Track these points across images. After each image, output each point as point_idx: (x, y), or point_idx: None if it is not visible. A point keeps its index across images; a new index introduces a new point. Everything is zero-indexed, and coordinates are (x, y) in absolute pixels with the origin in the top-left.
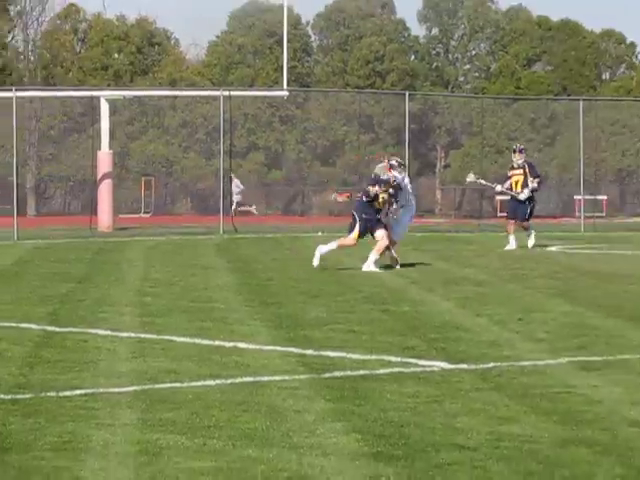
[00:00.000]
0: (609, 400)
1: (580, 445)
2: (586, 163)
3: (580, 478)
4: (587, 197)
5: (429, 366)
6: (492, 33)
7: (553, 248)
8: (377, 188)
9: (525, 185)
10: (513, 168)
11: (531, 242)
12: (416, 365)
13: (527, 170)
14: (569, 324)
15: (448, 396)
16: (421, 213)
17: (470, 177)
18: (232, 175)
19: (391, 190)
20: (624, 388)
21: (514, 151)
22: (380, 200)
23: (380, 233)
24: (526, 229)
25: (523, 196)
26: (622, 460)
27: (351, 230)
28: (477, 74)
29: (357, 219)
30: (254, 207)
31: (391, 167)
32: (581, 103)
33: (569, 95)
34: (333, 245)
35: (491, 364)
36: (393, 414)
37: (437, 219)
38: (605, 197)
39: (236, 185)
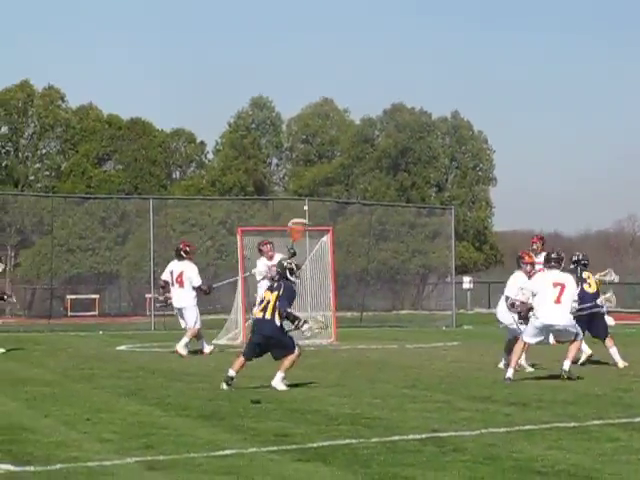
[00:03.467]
0: None
1: None
2: (156, 262)
3: None
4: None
5: None
6: (62, 132)
7: (122, 347)
8: None
9: None
10: None
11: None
12: None
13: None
14: (137, 423)
15: None
16: None
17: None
18: None
19: None
20: None
21: None
22: None
23: None
24: None
25: None
26: None
27: None
28: (48, 173)
29: None
30: None
31: None
32: (151, 202)
33: (140, 194)
34: None
35: (58, 465)
36: None
37: (7, 319)
38: None
39: None
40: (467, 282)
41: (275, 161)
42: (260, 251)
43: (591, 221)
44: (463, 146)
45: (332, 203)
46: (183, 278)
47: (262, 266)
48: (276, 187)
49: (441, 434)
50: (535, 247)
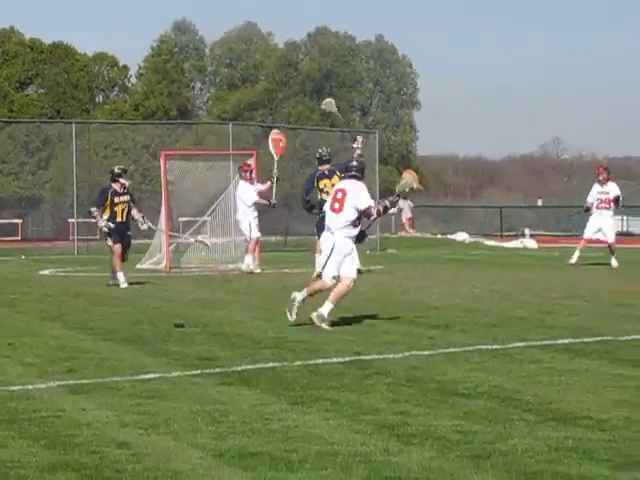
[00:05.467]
0: (98, 423)
1: (68, 469)
2: (80, 186)
3: None
4: (80, 220)
5: None
6: None
7: (46, 272)
8: None
9: None
10: None
11: None
12: None
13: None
14: (60, 347)
15: None
16: None
17: None
18: None
19: None
20: (113, 410)
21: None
22: None
23: None
24: None
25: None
26: None
27: None
28: None
29: None
30: None
31: None
32: (74, 126)
33: (62, 118)
34: None
35: None
36: None
37: None
38: None
39: None
40: None
41: (199, 85)
42: (240, 176)
43: (515, 145)
44: (387, 70)
45: (256, 127)
46: None
47: (250, 192)
48: (200, 111)
49: (364, 357)
50: (601, 178)
